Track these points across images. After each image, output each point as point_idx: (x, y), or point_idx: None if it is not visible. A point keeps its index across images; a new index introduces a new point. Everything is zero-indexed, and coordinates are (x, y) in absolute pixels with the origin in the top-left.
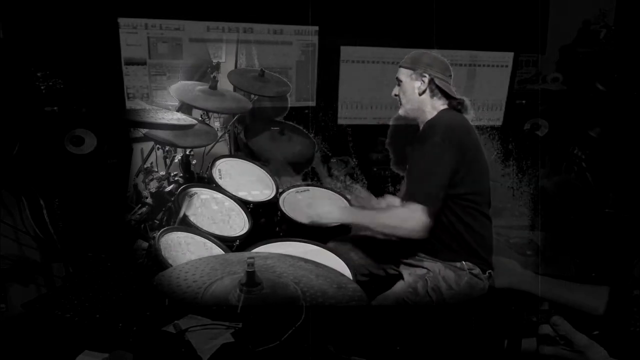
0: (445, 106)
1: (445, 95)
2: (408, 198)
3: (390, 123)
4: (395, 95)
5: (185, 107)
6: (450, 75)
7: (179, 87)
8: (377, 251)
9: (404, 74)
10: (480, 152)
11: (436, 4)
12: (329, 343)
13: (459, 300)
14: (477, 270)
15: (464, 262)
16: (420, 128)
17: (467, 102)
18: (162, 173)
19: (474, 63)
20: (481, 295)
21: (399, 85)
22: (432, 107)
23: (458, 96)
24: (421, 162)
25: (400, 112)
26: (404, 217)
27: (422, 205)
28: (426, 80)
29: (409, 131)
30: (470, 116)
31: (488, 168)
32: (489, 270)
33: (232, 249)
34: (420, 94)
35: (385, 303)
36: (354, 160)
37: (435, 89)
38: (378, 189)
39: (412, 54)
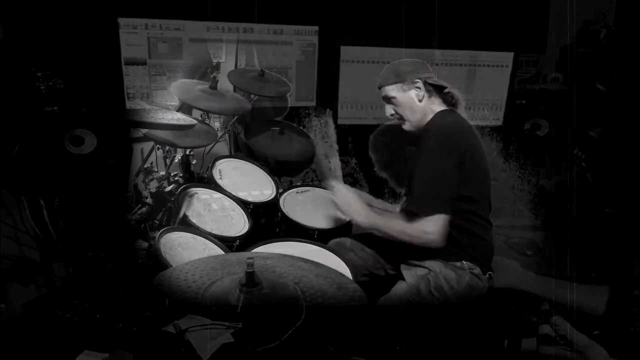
0: (441, 106)
1: (438, 90)
2: (424, 208)
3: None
4: (392, 114)
5: (185, 107)
6: (431, 72)
7: (179, 86)
8: (379, 252)
9: (393, 91)
10: (480, 153)
11: (436, 3)
12: (329, 343)
13: (461, 299)
14: (477, 270)
15: (464, 262)
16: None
17: (456, 93)
18: (162, 173)
19: (474, 63)
20: (480, 296)
21: (390, 103)
22: (431, 110)
23: (448, 86)
24: (425, 172)
25: (406, 127)
26: (425, 228)
27: (441, 215)
28: (420, 84)
29: (393, 135)
30: (462, 109)
31: (489, 170)
32: (489, 272)
33: (232, 249)
34: (420, 101)
35: (390, 304)
36: (354, 160)
37: (430, 88)
38: (378, 189)
39: (387, 71)
